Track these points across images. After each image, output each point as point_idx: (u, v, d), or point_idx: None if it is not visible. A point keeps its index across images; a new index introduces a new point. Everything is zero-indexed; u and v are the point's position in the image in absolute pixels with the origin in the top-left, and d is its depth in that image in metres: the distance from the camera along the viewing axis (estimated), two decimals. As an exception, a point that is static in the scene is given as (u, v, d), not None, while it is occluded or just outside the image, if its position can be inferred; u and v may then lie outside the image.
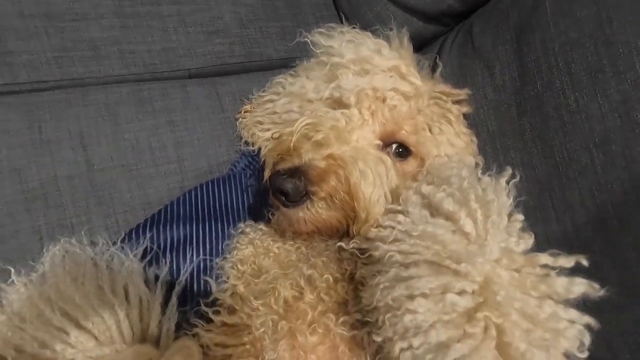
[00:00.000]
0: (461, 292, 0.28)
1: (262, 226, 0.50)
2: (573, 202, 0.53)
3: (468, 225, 0.32)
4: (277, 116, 0.55)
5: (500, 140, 0.59)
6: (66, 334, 0.35)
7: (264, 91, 0.60)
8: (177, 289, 0.45)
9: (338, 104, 0.47)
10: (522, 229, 0.38)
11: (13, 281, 0.36)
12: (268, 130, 0.56)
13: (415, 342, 0.27)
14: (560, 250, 0.55)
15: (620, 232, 0.49)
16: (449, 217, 0.34)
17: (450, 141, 0.50)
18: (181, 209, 0.52)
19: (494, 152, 0.60)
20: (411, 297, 0.28)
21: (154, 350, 0.37)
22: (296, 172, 0.39)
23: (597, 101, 0.49)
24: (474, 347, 0.27)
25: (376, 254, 0.33)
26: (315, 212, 0.40)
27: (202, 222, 0.51)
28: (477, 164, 0.57)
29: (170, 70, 0.62)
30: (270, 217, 0.50)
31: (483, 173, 0.58)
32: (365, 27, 0.62)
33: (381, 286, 0.31)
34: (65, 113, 0.52)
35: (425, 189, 0.36)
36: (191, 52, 0.65)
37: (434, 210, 0.35)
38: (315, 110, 0.45)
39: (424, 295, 0.28)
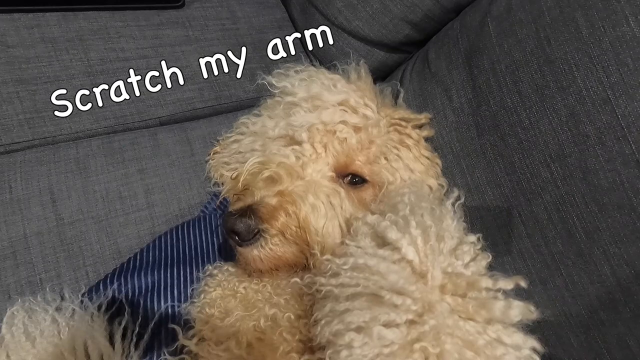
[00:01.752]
0: (390, 324, 0.28)
1: (229, 267, 0.50)
2: (540, 217, 0.52)
3: (410, 253, 0.32)
4: (241, 156, 0.56)
5: (465, 160, 0.60)
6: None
7: (230, 132, 0.62)
8: (145, 338, 0.45)
9: (292, 141, 0.49)
10: (475, 251, 0.38)
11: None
12: (235, 170, 0.57)
13: None
14: (534, 266, 0.54)
15: (589, 244, 0.48)
16: (393, 245, 0.34)
17: (408, 166, 0.51)
18: (150, 256, 0.52)
19: (460, 173, 0.60)
20: (346, 331, 0.28)
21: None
22: (247, 211, 0.40)
23: (547, 117, 0.49)
24: None
25: (321, 288, 0.33)
26: (270, 249, 0.41)
27: (171, 268, 0.51)
28: (441, 186, 0.57)
29: (140, 120, 0.65)
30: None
31: (445, 195, 0.58)
32: (329, 62, 0.64)
33: (322, 321, 0.30)
34: (35, 171, 0.54)
35: (371, 218, 0.36)
36: (161, 101, 0.67)
37: (379, 239, 0.35)
38: (268, 149, 0.47)
39: (357, 329, 0.28)
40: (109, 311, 0.45)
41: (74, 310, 0.41)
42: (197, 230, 0.56)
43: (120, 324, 0.44)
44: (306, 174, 0.45)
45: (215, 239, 0.56)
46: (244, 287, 0.47)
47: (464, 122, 0.61)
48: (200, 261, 0.53)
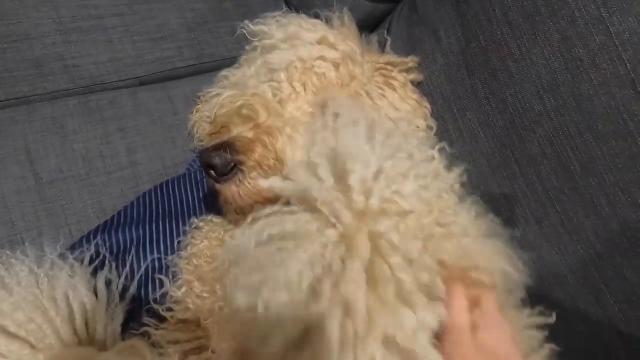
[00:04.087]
0: None
1: (215, 219, 0.49)
2: (534, 153, 0.51)
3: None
4: (219, 106, 0.54)
5: (456, 103, 0.58)
6: (-6, 343, 0.34)
7: (211, 87, 0.60)
8: (132, 290, 0.44)
9: (269, 78, 0.47)
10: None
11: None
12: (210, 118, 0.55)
13: None
14: (529, 206, 0.53)
15: (584, 176, 0.47)
16: None
17: (393, 105, 0.49)
18: (134, 212, 0.51)
19: (451, 116, 0.58)
20: None
21: (96, 352, 0.36)
22: (222, 145, 0.39)
23: (539, 44, 0.47)
24: None
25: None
26: (248, 183, 0.39)
27: (157, 222, 0.50)
28: (429, 128, 0.55)
29: (119, 80, 0.62)
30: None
31: (436, 136, 0.56)
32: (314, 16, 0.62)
33: None
34: (9, 130, 0.52)
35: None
36: (139, 60, 0.65)
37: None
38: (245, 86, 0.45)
39: None
40: (92, 265, 0.43)
41: (52, 261, 0.40)
42: (182, 186, 0.55)
43: (107, 276, 0.43)
44: (285, 112, 0.43)
45: (200, 195, 0.55)
46: (230, 236, 0.46)
47: (454, 63, 0.58)
48: (186, 216, 0.52)
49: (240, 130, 0.39)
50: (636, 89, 0.41)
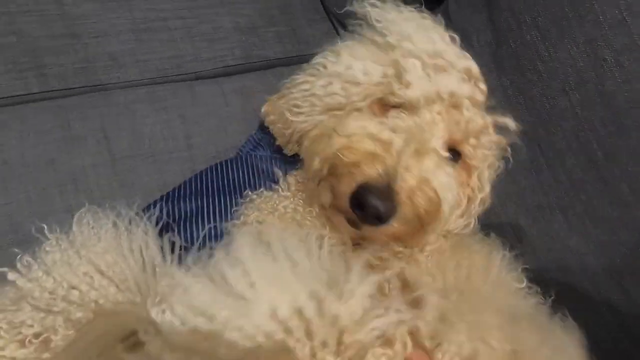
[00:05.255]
0: None
1: (266, 192, 0.54)
2: (560, 147, 0.55)
3: None
4: (317, 98, 0.48)
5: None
6: (90, 278, 0.39)
7: (296, 75, 0.53)
8: (190, 255, 0.49)
9: (392, 94, 0.43)
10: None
11: (47, 237, 0.41)
12: (303, 113, 0.50)
13: None
14: (554, 196, 0.56)
15: (608, 167, 0.51)
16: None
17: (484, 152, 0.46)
18: (192, 186, 0.57)
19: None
20: None
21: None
22: (389, 193, 0.37)
23: (566, 46, 0.52)
24: None
25: None
26: (391, 226, 0.38)
27: (212, 196, 0.56)
28: None
29: (179, 74, 0.70)
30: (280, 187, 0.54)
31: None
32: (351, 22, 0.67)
33: None
34: (89, 113, 0.60)
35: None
36: (197, 57, 0.72)
37: None
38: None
39: None
40: (157, 228, 0.49)
41: (131, 218, 0.46)
42: (234, 167, 0.61)
43: (168, 240, 0.48)
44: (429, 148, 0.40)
45: (249, 176, 0.61)
46: (284, 206, 0.51)
47: (484, 65, 0.62)
48: (238, 194, 0.58)
49: (401, 173, 0.37)
50: (657, 85, 0.45)
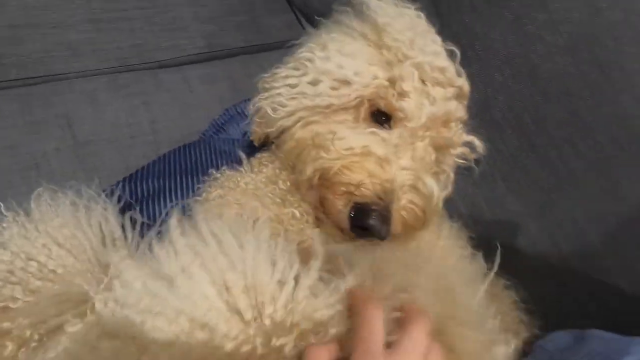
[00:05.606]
0: None
1: (229, 171, 0.57)
2: (497, 118, 0.60)
3: None
4: (304, 96, 0.46)
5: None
6: (49, 250, 0.41)
7: (276, 69, 0.49)
8: (152, 231, 0.51)
9: (384, 100, 0.44)
10: None
11: (3, 215, 0.43)
12: (287, 111, 0.47)
13: None
14: (496, 166, 0.61)
15: (538, 134, 0.56)
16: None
17: None
18: (156, 168, 0.59)
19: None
20: None
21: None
22: (388, 217, 0.39)
23: (497, 24, 0.56)
24: None
25: None
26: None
27: (175, 176, 0.58)
28: None
29: (141, 63, 0.72)
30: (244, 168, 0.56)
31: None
32: (315, 13, 0.70)
33: None
34: (52, 100, 0.61)
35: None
36: (158, 46, 0.74)
37: None
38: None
39: None
40: (119, 206, 0.51)
41: (89, 195, 0.47)
42: (197, 149, 0.63)
43: (130, 217, 0.50)
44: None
45: (212, 157, 0.63)
46: (245, 183, 0.54)
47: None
48: (200, 174, 0.60)
49: (398, 196, 0.40)
50: (573, 56, 0.51)
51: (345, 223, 0.41)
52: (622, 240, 0.51)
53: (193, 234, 0.32)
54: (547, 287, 0.59)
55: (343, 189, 0.41)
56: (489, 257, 0.59)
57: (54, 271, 0.41)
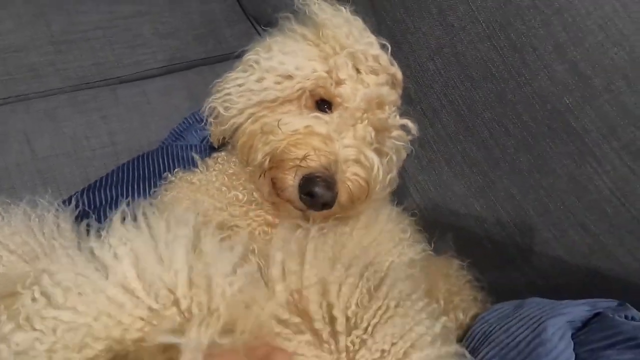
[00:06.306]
0: None
1: (182, 173, 0.59)
2: (435, 106, 0.63)
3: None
4: (252, 92, 0.50)
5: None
6: (-1, 257, 0.44)
7: (228, 73, 0.53)
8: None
9: (323, 89, 0.48)
10: None
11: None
12: (237, 108, 0.51)
13: None
14: (439, 151, 0.64)
15: (471, 117, 0.59)
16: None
17: None
18: (114, 177, 0.62)
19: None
20: None
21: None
22: (333, 184, 0.42)
23: (425, 19, 0.60)
24: None
25: None
26: (332, 210, 0.44)
27: (132, 183, 0.61)
28: None
29: (101, 80, 0.75)
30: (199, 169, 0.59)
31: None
32: (269, 22, 0.73)
33: None
34: (11, 120, 0.64)
35: None
36: (118, 63, 0.78)
37: None
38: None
39: None
40: (77, 218, 0.54)
41: (42, 205, 0.50)
42: (155, 157, 0.66)
43: (86, 225, 0.52)
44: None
45: (169, 163, 0.66)
46: (198, 180, 0.56)
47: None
48: (157, 179, 0.63)
49: (341, 167, 0.43)
50: (492, 42, 0.54)
51: (295, 195, 0.44)
52: (555, 211, 0.54)
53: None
54: (497, 263, 0.61)
55: (291, 164, 0.45)
56: (442, 241, 0.62)
57: (4, 275, 0.44)
